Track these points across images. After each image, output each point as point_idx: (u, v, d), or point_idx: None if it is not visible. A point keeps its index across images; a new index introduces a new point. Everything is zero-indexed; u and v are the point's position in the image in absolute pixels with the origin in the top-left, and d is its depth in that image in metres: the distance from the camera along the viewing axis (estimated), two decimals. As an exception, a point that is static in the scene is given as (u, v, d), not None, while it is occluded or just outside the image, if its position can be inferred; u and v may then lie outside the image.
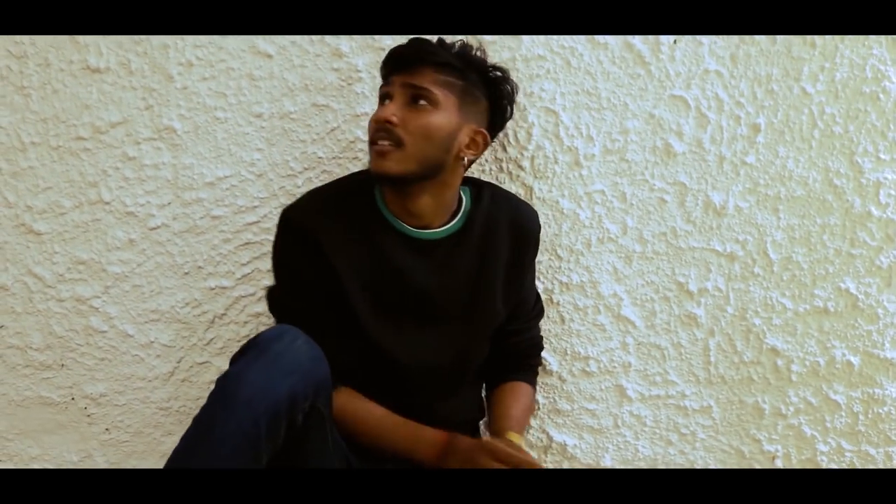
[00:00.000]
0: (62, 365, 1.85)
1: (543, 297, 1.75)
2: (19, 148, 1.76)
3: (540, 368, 1.78)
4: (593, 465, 1.83)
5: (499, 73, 1.51)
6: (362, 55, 1.68)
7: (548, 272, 1.75)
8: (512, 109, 1.56)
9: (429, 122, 1.41)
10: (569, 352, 1.78)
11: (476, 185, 1.58)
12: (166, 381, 1.84)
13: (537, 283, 1.74)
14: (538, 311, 1.68)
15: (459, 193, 1.55)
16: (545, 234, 1.72)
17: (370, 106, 1.69)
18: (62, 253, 1.79)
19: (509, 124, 1.68)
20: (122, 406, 1.87)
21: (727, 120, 1.70)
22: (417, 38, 1.47)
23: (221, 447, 1.18)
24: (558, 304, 1.76)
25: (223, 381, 1.22)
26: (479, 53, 1.50)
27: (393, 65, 1.46)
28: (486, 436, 1.65)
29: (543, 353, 1.76)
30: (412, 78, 1.42)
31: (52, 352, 1.84)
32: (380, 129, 1.41)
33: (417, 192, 1.46)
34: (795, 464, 1.83)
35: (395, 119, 1.40)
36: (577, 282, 1.75)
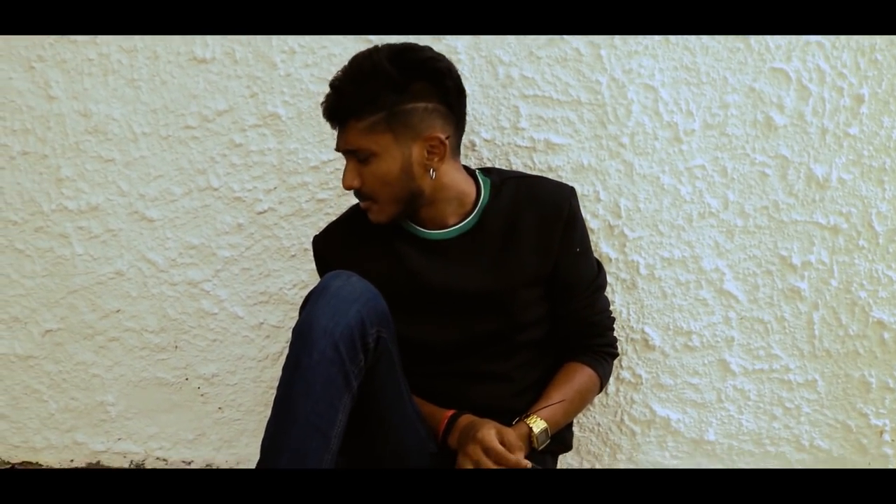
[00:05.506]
0: (176, 347, 1.92)
1: (644, 272, 1.76)
2: (131, 139, 1.83)
3: (642, 344, 1.79)
4: (697, 440, 1.83)
5: (410, 69, 1.43)
6: (461, 37, 1.71)
7: (649, 248, 1.75)
8: (452, 80, 1.47)
9: (378, 173, 1.45)
10: (671, 327, 1.79)
11: (500, 177, 1.57)
12: (276, 360, 1.90)
13: (637, 256, 1.75)
14: (595, 289, 1.60)
15: (479, 185, 1.55)
16: (646, 210, 1.73)
17: (469, 88, 1.71)
18: (174, 238, 1.86)
19: (609, 102, 1.69)
20: (233, 385, 1.93)
21: (829, 91, 1.68)
22: (333, 90, 1.46)
23: (313, 377, 1.28)
24: (660, 279, 1.76)
25: (297, 327, 1.32)
26: (384, 59, 1.42)
27: (329, 122, 1.50)
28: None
29: (647, 329, 1.78)
30: (345, 141, 1.46)
31: (167, 334, 1.91)
32: (354, 193, 1.51)
33: (419, 207, 1.51)
34: (904, 438, 1.82)
35: (356, 184, 1.48)
36: (679, 257, 1.75)
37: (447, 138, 1.46)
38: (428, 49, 1.47)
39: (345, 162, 1.49)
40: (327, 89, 1.74)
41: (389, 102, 1.42)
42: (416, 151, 1.45)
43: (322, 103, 1.49)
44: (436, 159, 1.46)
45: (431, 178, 1.48)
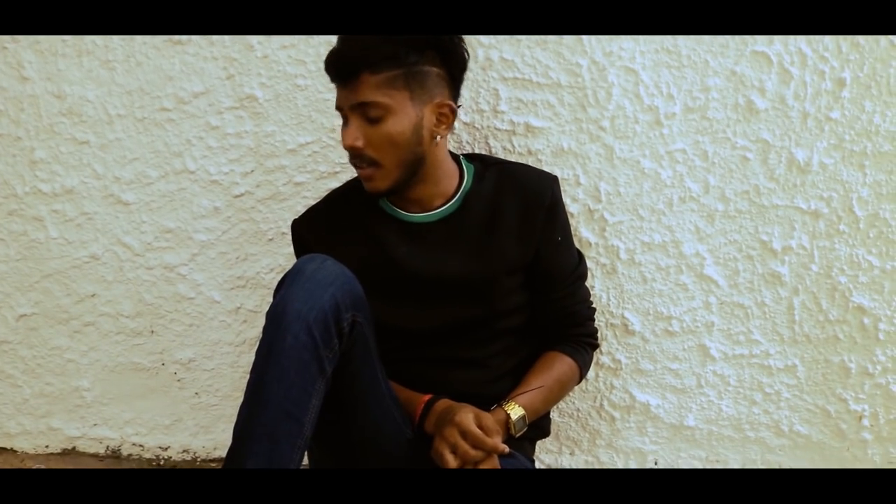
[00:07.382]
0: (152, 331, 1.90)
1: (624, 257, 1.75)
2: (106, 121, 1.80)
3: (622, 329, 1.78)
4: (676, 425, 1.83)
5: (427, 35, 1.43)
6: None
7: (629, 232, 1.74)
8: (462, 50, 1.46)
9: (391, 132, 1.40)
10: (651, 312, 1.78)
11: (483, 164, 1.57)
12: (253, 345, 1.88)
13: (617, 241, 1.74)
14: (575, 278, 1.58)
15: (462, 170, 1.54)
16: (627, 194, 1.72)
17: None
18: (150, 222, 1.84)
19: (589, 85, 1.68)
20: (210, 371, 1.92)
21: (811, 75, 1.67)
22: (346, 43, 1.41)
23: (286, 362, 1.25)
24: (640, 264, 1.75)
25: (272, 310, 1.29)
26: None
27: (332, 77, 1.43)
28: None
29: (627, 314, 1.77)
30: (355, 94, 1.39)
31: (143, 319, 1.89)
32: (353, 156, 1.44)
33: (413, 183, 1.49)
34: (883, 423, 1.81)
35: (359, 144, 1.41)
36: (660, 241, 1.74)
37: (454, 110, 1.46)
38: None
39: (341, 123, 1.44)
40: (305, 72, 1.73)
41: (410, 61, 1.39)
42: (428, 115, 1.43)
43: (329, 55, 1.41)
44: (443, 127, 1.45)
45: (437, 144, 1.46)
